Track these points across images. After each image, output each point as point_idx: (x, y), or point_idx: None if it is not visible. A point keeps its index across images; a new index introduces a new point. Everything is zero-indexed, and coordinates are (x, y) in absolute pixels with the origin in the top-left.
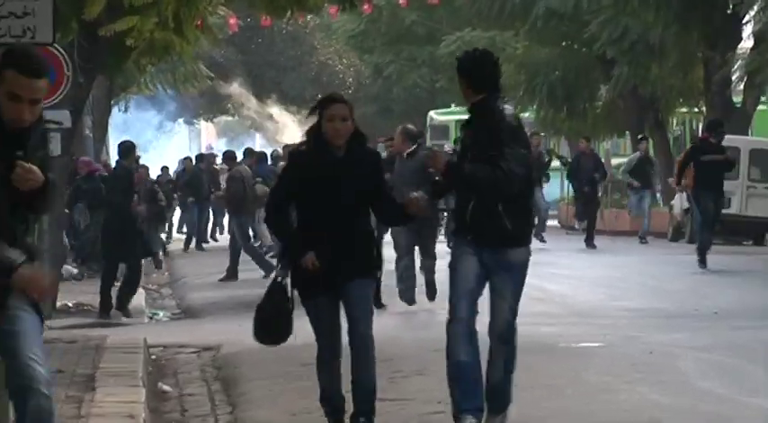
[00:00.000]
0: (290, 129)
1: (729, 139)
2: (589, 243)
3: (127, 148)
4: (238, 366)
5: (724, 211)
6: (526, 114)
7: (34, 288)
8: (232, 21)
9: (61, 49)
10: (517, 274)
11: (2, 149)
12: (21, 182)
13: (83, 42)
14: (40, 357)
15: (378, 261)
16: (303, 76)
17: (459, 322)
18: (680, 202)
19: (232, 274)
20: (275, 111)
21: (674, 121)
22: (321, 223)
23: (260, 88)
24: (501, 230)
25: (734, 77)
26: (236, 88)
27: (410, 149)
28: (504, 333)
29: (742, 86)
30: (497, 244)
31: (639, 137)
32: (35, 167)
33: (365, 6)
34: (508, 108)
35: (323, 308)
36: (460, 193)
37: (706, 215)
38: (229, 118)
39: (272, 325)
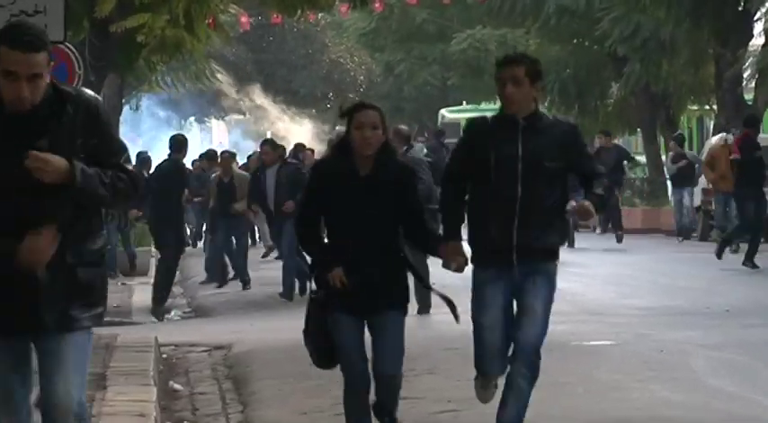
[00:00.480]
0: (285, 122)
1: None
2: (618, 237)
3: (178, 142)
4: (249, 365)
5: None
6: None
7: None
8: (243, 19)
9: (72, 48)
10: (548, 284)
11: (7, 137)
12: (35, 172)
13: (94, 40)
14: (77, 387)
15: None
16: (314, 74)
17: (494, 379)
18: (679, 202)
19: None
20: (258, 101)
21: (685, 119)
22: (346, 239)
23: (243, 77)
24: (551, 245)
25: (745, 75)
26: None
27: (402, 150)
28: (534, 348)
29: (753, 84)
30: (536, 259)
31: (675, 134)
32: (45, 157)
33: (376, 4)
34: None
35: (345, 327)
36: (496, 211)
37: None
38: (240, 116)
39: (322, 346)
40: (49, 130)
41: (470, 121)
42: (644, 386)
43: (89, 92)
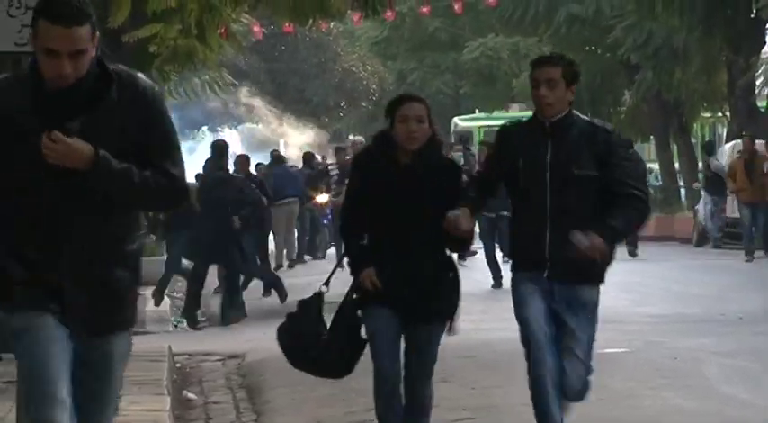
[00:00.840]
0: (284, 129)
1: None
2: (631, 250)
3: (219, 148)
4: (263, 374)
5: (734, 215)
6: None
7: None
8: (256, 28)
9: None
10: (592, 316)
11: (48, 117)
12: (46, 156)
13: (106, 50)
14: (112, 401)
15: (454, 301)
16: (326, 83)
17: (547, 375)
18: (704, 207)
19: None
20: (244, 100)
21: (698, 126)
22: (387, 240)
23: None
24: (586, 263)
25: (758, 82)
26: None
27: None
28: (578, 392)
29: (766, 91)
30: (574, 279)
31: (705, 142)
32: (65, 139)
33: (388, 13)
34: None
35: (383, 321)
36: (529, 221)
37: None
38: (254, 126)
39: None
40: (84, 111)
41: (502, 126)
42: (657, 393)
43: (145, 78)
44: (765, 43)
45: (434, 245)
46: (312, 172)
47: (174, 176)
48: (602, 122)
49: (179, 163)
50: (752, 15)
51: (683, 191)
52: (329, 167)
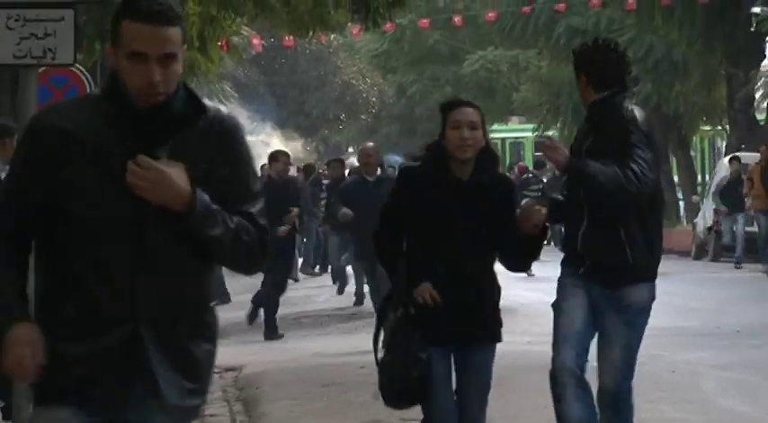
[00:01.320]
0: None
1: (754, 158)
2: None
3: (285, 154)
4: (260, 387)
5: (749, 229)
6: (550, 133)
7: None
8: (255, 41)
9: (83, 70)
10: (635, 319)
11: (134, 141)
12: (133, 185)
13: (106, 63)
14: None
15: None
16: (326, 95)
17: (566, 375)
18: (703, 220)
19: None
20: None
21: (698, 140)
22: (434, 254)
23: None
24: (620, 263)
25: (757, 95)
26: None
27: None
28: (612, 397)
29: (765, 104)
30: (612, 281)
31: (730, 157)
32: (160, 166)
33: (388, 26)
34: (638, 110)
35: (438, 366)
36: (570, 215)
37: None
38: (253, 138)
39: (406, 383)
40: (173, 138)
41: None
42: (654, 406)
43: (226, 111)
44: (765, 57)
45: (487, 263)
46: (313, 188)
47: (263, 228)
48: (631, 107)
49: (264, 213)
50: (751, 29)
51: (681, 204)
52: (323, 182)
